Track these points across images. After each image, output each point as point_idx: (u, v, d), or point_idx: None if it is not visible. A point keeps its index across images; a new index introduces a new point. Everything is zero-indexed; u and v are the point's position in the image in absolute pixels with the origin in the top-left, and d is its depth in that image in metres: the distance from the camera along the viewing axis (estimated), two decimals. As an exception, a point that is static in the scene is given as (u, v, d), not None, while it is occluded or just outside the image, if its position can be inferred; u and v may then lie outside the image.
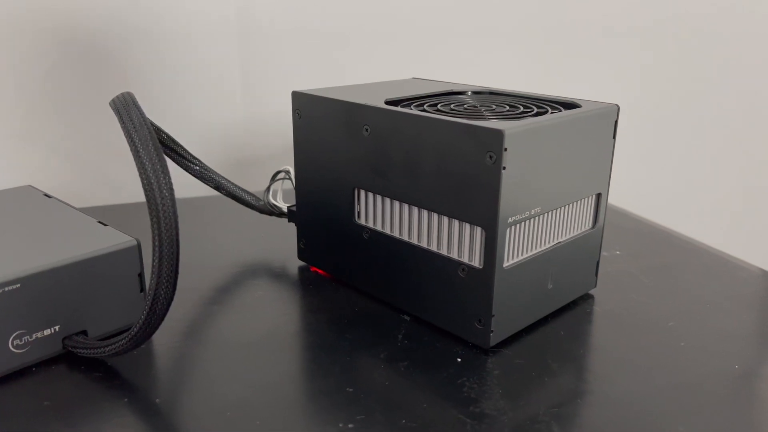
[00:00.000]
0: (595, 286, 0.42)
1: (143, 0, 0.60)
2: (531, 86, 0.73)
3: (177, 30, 0.62)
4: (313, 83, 0.66)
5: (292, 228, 0.46)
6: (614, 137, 0.39)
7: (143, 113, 0.32)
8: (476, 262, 0.34)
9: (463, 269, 0.34)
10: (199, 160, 0.47)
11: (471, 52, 0.72)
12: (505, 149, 0.31)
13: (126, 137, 0.31)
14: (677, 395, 0.31)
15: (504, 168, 0.31)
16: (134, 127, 0.31)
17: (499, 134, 0.31)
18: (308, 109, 0.41)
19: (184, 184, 0.59)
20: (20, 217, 0.38)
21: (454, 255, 0.35)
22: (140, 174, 0.30)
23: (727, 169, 0.84)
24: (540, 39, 0.74)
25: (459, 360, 0.34)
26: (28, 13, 0.57)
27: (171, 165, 0.45)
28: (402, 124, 0.35)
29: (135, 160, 0.30)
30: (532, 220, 0.35)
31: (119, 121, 0.31)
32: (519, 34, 0.73)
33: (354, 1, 0.67)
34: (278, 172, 0.48)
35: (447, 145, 0.33)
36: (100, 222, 0.38)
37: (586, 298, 0.41)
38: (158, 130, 0.43)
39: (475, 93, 0.44)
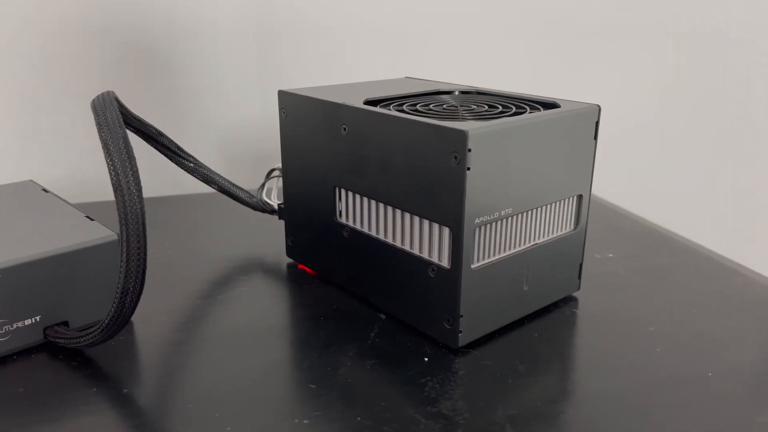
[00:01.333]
0: (579, 289, 0.41)
1: None
2: (544, 87, 0.72)
3: (197, 27, 0.63)
4: (325, 81, 0.66)
5: (283, 225, 0.47)
6: (596, 138, 0.38)
7: (119, 113, 0.33)
8: (445, 262, 0.34)
9: (432, 269, 0.34)
10: (194, 157, 0.48)
11: (489, 54, 0.72)
12: (469, 150, 0.31)
13: (99, 135, 0.32)
14: (637, 400, 0.31)
15: (469, 169, 0.31)
16: (107, 125, 0.32)
17: (462, 135, 0.31)
18: (293, 108, 0.42)
19: (180, 181, 0.61)
20: (13, 211, 0.40)
21: (425, 255, 0.35)
22: (109, 171, 0.31)
23: (740, 171, 0.82)
24: (553, 39, 0.73)
25: (426, 360, 0.34)
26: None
27: (169, 163, 0.47)
28: (375, 124, 0.36)
29: (105, 157, 0.31)
30: (504, 221, 0.35)
31: (95, 120, 0.32)
32: (534, 36, 0.72)
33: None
34: (273, 170, 0.49)
35: (415, 145, 0.33)
36: (87, 217, 0.39)
37: (569, 301, 0.41)
38: (160, 134, 0.44)
39: (462, 93, 0.44)
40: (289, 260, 0.47)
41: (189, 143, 0.66)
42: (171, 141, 0.46)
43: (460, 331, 0.34)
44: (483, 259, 0.34)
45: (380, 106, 0.38)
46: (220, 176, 0.49)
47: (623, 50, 0.75)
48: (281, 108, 0.43)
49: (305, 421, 0.29)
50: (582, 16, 0.73)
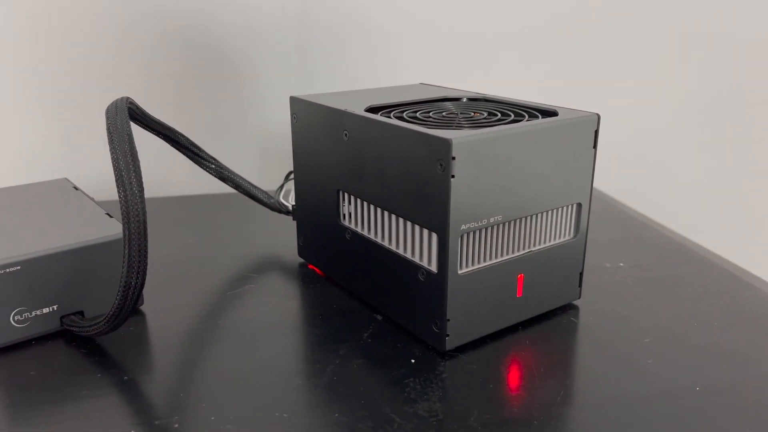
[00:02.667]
0: (579, 297, 0.41)
1: None
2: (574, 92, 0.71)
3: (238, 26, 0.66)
4: (365, 83, 0.68)
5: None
6: (595, 147, 0.38)
7: (127, 119, 0.35)
8: (433, 266, 0.35)
9: (422, 273, 0.35)
10: (215, 159, 0.50)
11: (520, 59, 0.72)
12: (453, 158, 0.32)
13: (108, 138, 0.34)
14: (616, 413, 0.31)
15: (453, 176, 0.32)
16: (116, 130, 0.34)
17: (446, 143, 0.32)
18: (303, 114, 0.43)
19: (204, 182, 0.63)
20: (41, 207, 0.43)
21: (416, 259, 0.36)
22: (115, 173, 0.33)
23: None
24: (579, 44, 0.72)
25: (413, 361, 0.35)
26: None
27: (190, 164, 0.50)
28: (372, 131, 0.37)
29: (112, 161, 0.33)
30: (494, 228, 0.35)
31: (106, 124, 0.35)
32: (560, 41, 0.72)
33: (413, 1, 0.68)
34: (290, 172, 0.51)
35: (406, 152, 0.34)
36: (107, 214, 0.42)
37: (569, 309, 0.41)
38: (175, 132, 0.47)
39: (470, 100, 0.44)
40: (301, 260, 0.48)
41: (229, 145, 0.69)
42: (193, 143, 0.48)
43: (448, 335, 0.35)
44: (471, 264, 0.35)
45: (382, 113, 0.39)
46: (240, 177, 0.51)
47: (647, 54, 0.73)
48: (292, 113, 0.44)
49: (285, 415, 0.31)
50: (608, 19, 0.72)
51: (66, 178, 0.50)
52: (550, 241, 0.38)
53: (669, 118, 0.76)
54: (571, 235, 0.39)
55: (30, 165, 0.64)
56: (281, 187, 0.51)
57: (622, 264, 0.47)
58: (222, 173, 0.50)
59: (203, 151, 0.49)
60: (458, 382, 0.33)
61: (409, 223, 0.36)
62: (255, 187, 0.51)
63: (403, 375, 0.34)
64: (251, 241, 0.52)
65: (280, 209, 0.51)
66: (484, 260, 0.36)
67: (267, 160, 0.71)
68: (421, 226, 0.35)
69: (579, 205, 0.39)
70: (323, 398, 0.32)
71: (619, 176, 0.75)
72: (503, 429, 0.30)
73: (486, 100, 0.44)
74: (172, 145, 0.48)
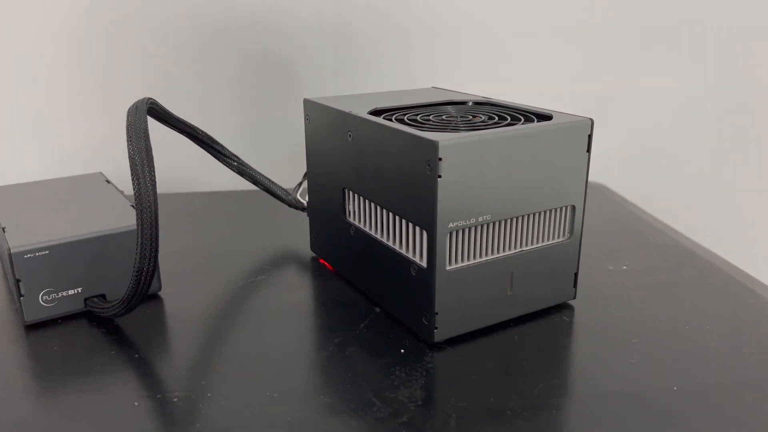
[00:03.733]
0: (575, 298, 0.42)
1: None
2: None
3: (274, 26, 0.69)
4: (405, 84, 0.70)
5: (311, 222, 0.51)
6: (588, 151, 0.39)
7: (145, 119, 0.38)
8: (423, 262, 0.36)
9: (414, 268, 0.37)
10: (237, 157, 0.53)
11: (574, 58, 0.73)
12: (440, 159, 0.33)
13: (126, 135, 0.37)
14: (586, 408, 0.32)
15: (440, 176, 0.34)
16: (133, 129, 0.37)
17: (434, 145, 0.33)
18: (314, 116, 0.46)
19: (227, 178, 0.66)
20: (73, 198, 0.47)
21: (409, 254, 0.38)
22: (130, 168, 0.36)
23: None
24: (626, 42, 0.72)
25: (402, 351, 0.37)
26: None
27: (213, 161, 0.53)
28: (371, 132, 0.39)
29: (129, 156, 0.36)
30: (483, 226, 0.37)
31: (126, 122, 0.38)
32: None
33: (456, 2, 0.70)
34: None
35: (399, 153, 0.36)
36: (132, 206, 0.45)
37: (563, 309, 0.42)
38: (198, 131, 0.50)
39: (476, 103, 0.46)
40: (313, 254, 0.51)
41: (261, 143, 0.72)
42: (215, 141, 0.51)
43: (436, 328, 0.37)
44: (460, 261, 0.37)
45: (384, 116, 0.41)
46: (261, 174, 0.54)
47: (672, 55, 0.73)
48: (306, 115, 0.47)
49: (275, 395, 0.33)
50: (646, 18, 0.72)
51: (101, 173, 0.54)
52: (542, 241, 0.40)
53: (691, 121, 0.75)
54: (565, 236, 0.40)
55: (72, 159, 0.69)
56: (299, 185, 0.54)
57: (625, 267, 0.48)
58: (243, 170, 0.53)
59: (226, 148, 0.52)
60: (442, 372, 0.35)
61: (403, 220, 0.38)
62: (274, 184, 0.54)
63: (391, 363, 0.36)
64: (268, 236, 0.55)
65: (296, 206, 0.54)
66: (473, 257, 0.37)
67: (297, 158, 0.74)
68: (413, 224, 0.37)
69: (573, 208, 0.40)
70: (313, 381, 0.34)
71: (640, 179, 0.75)
72: (475, 417, 0.31)
73: (490, 104, 0.45)
74: (196, 143, 0.51)
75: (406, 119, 0.40)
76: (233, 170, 0.53)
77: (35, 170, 0.68)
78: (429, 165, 0.34)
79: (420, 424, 0.31)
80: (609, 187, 0.71)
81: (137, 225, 0.36)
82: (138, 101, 0.40)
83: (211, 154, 0.52)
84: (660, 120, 0.75)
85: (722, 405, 0.32)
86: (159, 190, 0.69)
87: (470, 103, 0.46)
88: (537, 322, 0.40)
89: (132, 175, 0.36)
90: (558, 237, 0.40)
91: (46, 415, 0.32)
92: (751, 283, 0.45)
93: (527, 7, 0.70)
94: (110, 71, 0.68)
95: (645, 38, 0.72)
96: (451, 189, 0.34)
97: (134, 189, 0.36)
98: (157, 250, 0.36)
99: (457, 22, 0.71)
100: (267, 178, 0.54)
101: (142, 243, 0.36)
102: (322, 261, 0.50)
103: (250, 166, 0.53)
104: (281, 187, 0.54)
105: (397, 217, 0.38)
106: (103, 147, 0.69)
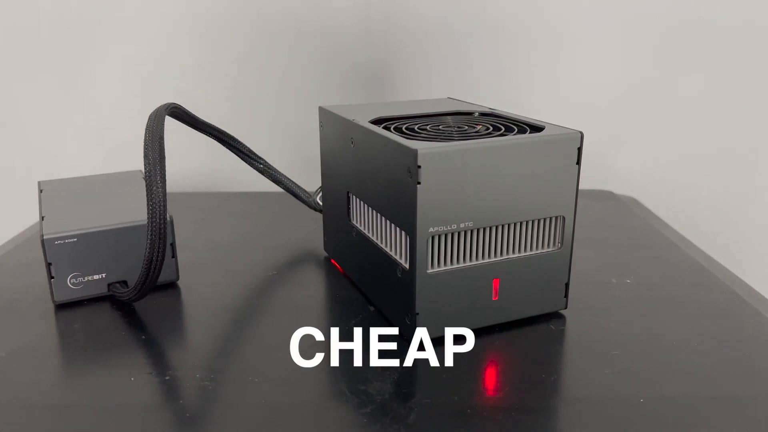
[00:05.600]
0: (566, 307, 0.43)
1: None
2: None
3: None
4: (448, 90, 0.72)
5: (325, 223, 0.54)
6: (578, 163, 0.40)
7: (162, 123, 0.42)
8: (407, 264, 0.38)
9: (400, 269, 0.39)
10: (264, 159, 0.57)
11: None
12: (419, 166, 0.35)
13: (144, 138, 0.41)
14: (543, 414, 0.33)
15: (419, 183, 0.36)
16: (150, 132, 0.41)
17: (413, 153, 0.35)
18: (326, 123, 0.48)
19: (253, 179, 0.70)
20: (109, 193, 0.52)
21: (397, 256, 0.40)
22: (144, 168, 0.40)
23: None
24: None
25: (384, 348, 0.39)
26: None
27: (239, 162, 0.56)
28: (366, 139, 0.41)
29: (143, 156, 0.40)
30: (466, 233, 0.38)
31: (146, 125, 0.42)
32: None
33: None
34: (328, 175, 0.56)
35: (387, 159, 0.38)
36: (158, 201, 0.49)
37: (554, 318, 0.42)
38: (224, 132, 0.53)
39: (481, 114, 0.47)
40: (326, 254, 0.53)
41: (288, 147, 0.76)
42: (242, 144, 0.55)
43: (417, 327, 0.38)
44: (441, 265, 0.38)
45: (384, 125, 0.43)
46: (284, 176, 0.57)
47: (709, 62, 0.71)
48: (320, 122, 0.50)
49: (256, 380, 0.36)
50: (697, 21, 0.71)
51: (140, 170, 0.58)
52: (530, 250, 0.41)
53: (733, 136, 0.73)
54: (555, 246, 0.41)
55: (124, 157, 0.75)
56: (319, 188, 0.57)
57: (628, 281, 0.48)
58: (268, 171, 0.56)
59: (252, 151, 0.56)
60: (416, 370, 0.36)
61: (391, 224, 0.40)
62: (297, 185, 0.57)
63: (371, 358, 0.38)
64: (287, 235, 0.58)
65: (316, 207, 0.57)
66: (456, 262, 0.39)
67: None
68: (399, 227, 0.39)
69: (562, 218, 0.41)
70: (293, 371, 0.37)
71: (676, 194, 0.74)
72: (434, 411, 0.33)
73: (494, 115, 0.47)
74: (224, 146, 0.55)
75: (404, 129, 0.42)
76: (259, 171, 0.56)
77: (95, 167, 0.74)
78: (410, 172, 0.36)
79: (381, 415, 0.32)
80: (640, 201, 0.70)
81: (148, 219, 0.39)
82: (160, 106, 0.44)
83: (238, 155, 0.55)
84: (699, 134, 0.73)
85: (682, 418, 0.32)
86: (187, 188, 0.74)
87: (476, 114, 0.47)
88: (523, 329, 0.41)
89: (145, 174, 0.40)
90: (547, 247, 0.41)
91: (61, 381, 0.36)
92: (757, 302, 0.45)
93: (568, 21, 0.71)
94: (163, 77, 0.73)
95: (686, 49, 0.71)
96: (431, 195, 0.36)
97: (146, 187, 0.39)
98: (165, 242, 0.40)
99: (498, 34, 0.72)
100: (290, 180, 0.57)
101: (151, 235, 0.40)
102: (333, 261, 0.52)
103: (275, 168, 0.57)
104: (303, 189, 0.58)
105: (386, 220, 0.40)
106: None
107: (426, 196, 0.36)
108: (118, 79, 0.73)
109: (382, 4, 0.71)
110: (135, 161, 0.73)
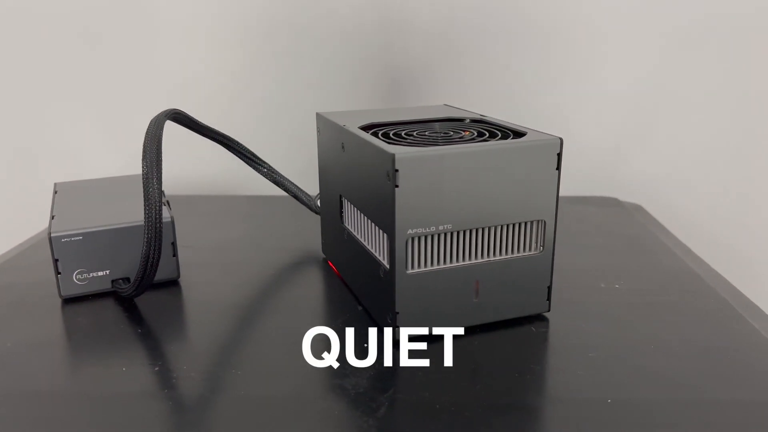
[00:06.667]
0: (549, 310, 0.43)
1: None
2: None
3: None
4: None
5: (324, 225, 0.56)
6: (558, 169, 0.40)
7: (161, 129, 0.44)
8: (388, 265, 0.40)
9: (382, 270, 0.40)
10: (268, 164, 0.59)
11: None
12: (396, 170, 0.37)
13: (143, 142, 0.43)
14: (505, 414, 0.34)
15: (397, 186, 0.37)
16: (149, 136, 0.43)
17: (391, 157, 0.37)
18: (322, 128, 0.50)
19: (256, 183, 0.71)
20: (118, 194, 0.54)
21: (380, 257, 0.41)
22: (142, 170, 0.42)
23: None
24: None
25: (365, 345, 0.40)
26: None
27: (245, 166, 0.58)
28: (354, 144, 0.43)
29: (142, 160, 0.42)
30: (445, 235, 0.39)
31: (146, 130, 0.44)
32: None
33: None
34: (330, 179, 0.58)
35: (370, 163, 0.40)
36: (163, 203, 0.51)
37: (537, 320, 0.43)
38: (227, 137, 0.56)
39: (472, 121, 0.48)
40: (324, 256, 0.55)
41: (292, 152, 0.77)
42: (247, 149, 0.57)
43: (397, 326, 0.40)
44: (421, 266, 0.39)
45: (372, 131, 0.45)
46: (288, 180, 0.59)
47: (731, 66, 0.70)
48: (318, 128, 0.51)
49: (238, 372, 0.37)
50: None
51: (151, 173, 0.61)
52: (511, 253, 0.41)
53: (745, 145, 0.72)
54: (536, 249, 0.42)
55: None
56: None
57: (617, 286, 0.48)
58: (272, 175, 0.58)
59: (257, 156, 0.58)
60: (393, 367, 0.38)
61: (375, 226, 0.41)
62: (300, 189, 0.59)
63: (351, 355, 0.39)
64: (288, 237, 0.60)
65: (317, 211, 0.58)
66: (436, 263, 0.40)
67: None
68: (381, 229, 0.40)
69: (543, 222, 0.41)
70: (274, 365, 0.38)
71: (684, 203, 0.73)
72: (402, 405, 0.34)
73: (483, 121, 0.48)
74: (230, 150, 0.57)
75: (391, 134, 0.44)
76: (263, 175, 0.58)
77: (118, 170, 0.77)
78: (388, 175, 0.37)
79: (351, 410, 0.34)
80: (645, 209, 0.70)
81: (145, 220, 0.42)
82: (161, 112, 0.46)
83: (243, 160, 0.58)
84: (709, 142, 0.73)
85: (645, 420, 0.33)
86: (195, 192, 0.76)
87: (467, 121, 0.49)
88: (505, 330, 0.42)
89: (143, 178, 0.42)
90: (528, 250, 0.42)
91: (61, 369, 0.38)
92: (746, 309, 0.44)
93: (580, 26, 0.71)
94: (187, 83, 0.76)
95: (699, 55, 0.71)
96: (409, 198, 0.37)
97: (143, 190, 0.42)
98: (161, 240, 0.42)
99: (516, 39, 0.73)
100: (293, 184, 0.59)
101: (148, 234, 0.42)
102: (330, 264, 0.54)
103: (278, 172, 0.59)
104: (306, 193, 0.59)
105: (371, 222, 0.42)
106: (176, 151, 0.77)
107: (404, 198, 0.37)
108: (142, 86, 0.76)
109: (397, 7, 0.72)
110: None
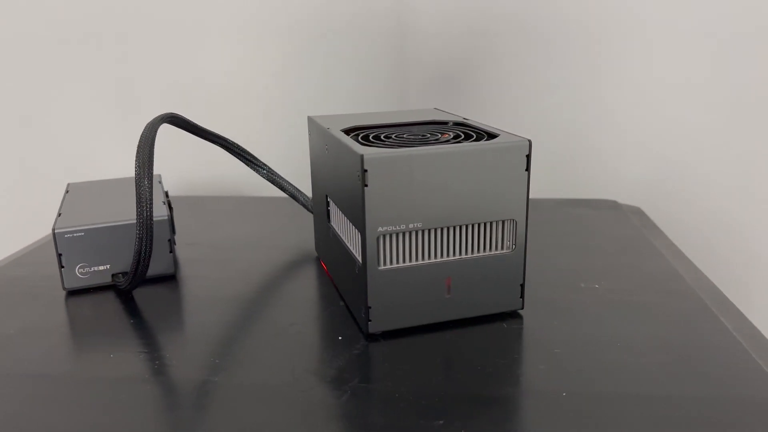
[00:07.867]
0: (522, 308, 0.44)
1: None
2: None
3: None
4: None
5: (317, 225, 0.58)
6: (527, 170, 0.42)
7: (154, 133, 0.47)
8: (361, 261, 0.41)
9: (357, 266, 0.42)
10: (267, 166, 0.61)
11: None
12: (365, 170, 0.38)
13: (137, 144, 0.46)
14: (468, 404, 0.35)
15: (366, 185, 0.39)
16: (142, 139, 0.46)
17: (360, 157, 0.39)
18: (312, 131, 0.52)
19: (257, 184, 0.74)
20: (125, 193, 0.57)
21: (355, 254, 0.43)
22: (135, 174, 0.45)
23: None
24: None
25: (340, 338, 0.42)
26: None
27: (244, 167, 0.61)
28: (334, 145, 0.45)
29: (135, 160, 0.45)
30: (415, 233, 0.41)
31: (141, 134, 0.47)
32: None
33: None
34: (326, 181, 0.60)
35: (345, 164, 0.42)
36: (163, 202, 0.54)
37: (510, 317, 0.44)
38: (227, 140, 0.58)
39: (455, 124, 0.50)
40: (317, 254, 0.57)
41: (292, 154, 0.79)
42: (246, 151, 0.60)
43: (370, 320, 0.41)
44: (392, 263, 0.41)
45: (353, 134, 0.46)
46: (285, 180, 0.61)
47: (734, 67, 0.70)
48: (309, 131, 0.53)
49: (216, 361, 0.40)
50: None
51: (159, 174, 0.64)
52: (482, 251, 0.43)
53: (749, 152, 0.72)
54: (508, 248, 0.43)
55: (156, 163, 0.81)
56: (318, 192, 0.60)
57: (597, 286, 0.49)
58: (271, 176, 0.61)
59: (257, 158, 0.61)
60: (363, 358, 0.39)
61: (350, 224, 0.43)
62: (298, 190, 0.61)
63: (325, 347, 0.41)
64: (283, 236, 0.62)
65: (313, 211, 0.60)
66: (407, 260, 0.41)
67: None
68: (355, 227, 0.42)
69: (514, 222, 0.43)
70: (252, 356, 0.40)
71: (685, 208, 0.73)
72: (366, 394, 0.36)
73: (465, 125, 0.49)
74: (229, 152, 0.59)
75: (371, 137, 0.45)
76: (263, 176, 0.61)
77: (128, 170, 0.81)
78: (359, 175, 0.39)
79: (317, 396, 0.36)
80: (644, 212, 0.70)
81: (137, 218, 0.44)
82: (156, 117, 0.49)
83: (242, 161, 0.60)
84: (709, 147, 0.72)
85: (598, 413, 0.34)
86: (194, 193, 0.79)
87: (450, 124, 0.50)
88: (477, 326, 0.43)
89: (135, 178, 0.45)
90: (500, 248, 0.43)
91: (60, 355, 0.41)
92: (723, 311, 0.45)
93: (582, 32, 0.72)
94: (198, 86, 0.79)
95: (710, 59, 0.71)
96: (378, 197, 0.39)
97: (136, 190, 0.44)
98: (152, 238, 0.45)
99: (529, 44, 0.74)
100: (291, 185, 0.61)
101: (140, 230, 0.44)
102: (322, 263, 0.56)
103: (277, 173, 0.61)
104: (304, 194, 0.62)
105: (347, 221, 0.44)
106: (170, 152, 0.81)
107: (373, 197, 0.39)
108: (156, 88, 0.79)
109: (399, 11, 0.74)
110: (160, 167, 0.80)
